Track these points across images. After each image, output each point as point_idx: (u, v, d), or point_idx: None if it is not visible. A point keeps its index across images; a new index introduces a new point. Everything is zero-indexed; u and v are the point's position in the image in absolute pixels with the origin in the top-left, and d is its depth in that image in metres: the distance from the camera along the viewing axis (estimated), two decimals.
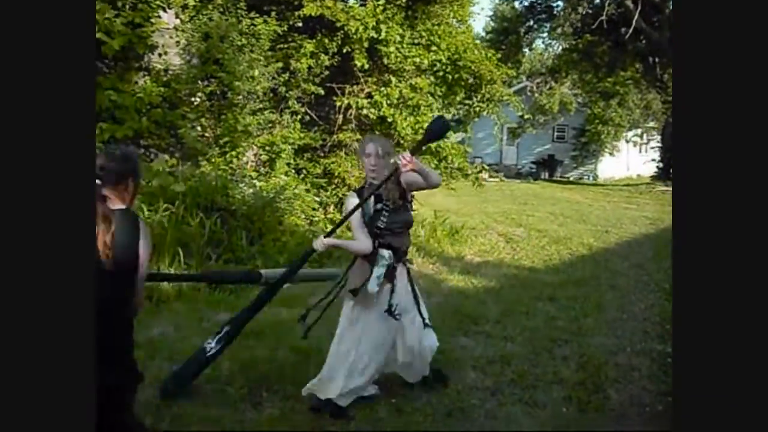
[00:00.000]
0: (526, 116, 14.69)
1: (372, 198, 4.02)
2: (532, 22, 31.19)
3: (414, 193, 4.31)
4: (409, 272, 4.33)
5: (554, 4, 29.64)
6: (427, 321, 4.44)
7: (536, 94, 27.93)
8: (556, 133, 33.89)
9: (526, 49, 35.05)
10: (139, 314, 2.99)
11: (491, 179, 29.35)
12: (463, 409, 4.30)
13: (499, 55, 11.60)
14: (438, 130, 4.05)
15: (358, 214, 4.05)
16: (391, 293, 4.10)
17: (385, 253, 4.06)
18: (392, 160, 3.96)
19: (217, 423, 3.99)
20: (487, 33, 36.50)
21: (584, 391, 4.65)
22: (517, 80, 33.99)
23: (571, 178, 32.36)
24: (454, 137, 14.51)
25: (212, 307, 6.41)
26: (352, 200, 4.13)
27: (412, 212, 4.36)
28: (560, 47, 31.17)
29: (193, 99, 9.69)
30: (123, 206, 2.78)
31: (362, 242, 4.05)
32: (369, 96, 10.14)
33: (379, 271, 4.03)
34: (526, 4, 31.07)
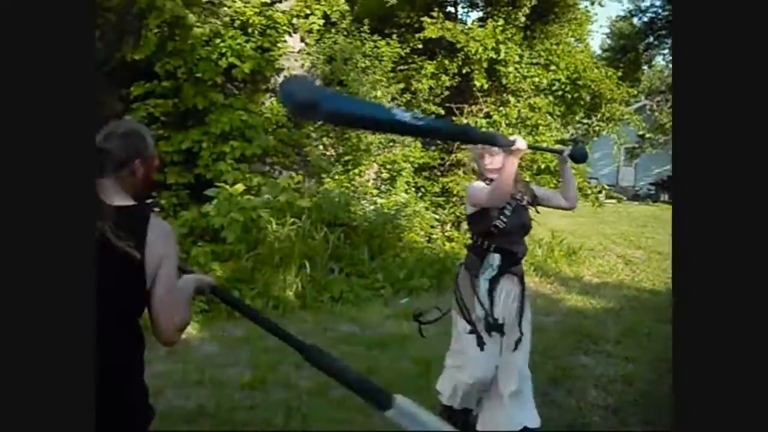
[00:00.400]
0: (646, 135, 14.28)
1: None
2: (651, 39, 30.37)
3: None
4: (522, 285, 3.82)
5: None
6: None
7: (656, 113, 27.11)
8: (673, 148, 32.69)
9: (645, 67, 34.10)
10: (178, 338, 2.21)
11: (608, 201, 28.71)
12: (587, 424, 4.33)
13: (619, 74, 11.44)
14: (580, 157, 3.88)
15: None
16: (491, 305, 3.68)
17: (495, 258, 3.69)
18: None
19: (347, 423, 4.20)
20: (604, 51, 35.76)
21: None
22: (636, 99, 33.16)
23: None
24: None
25: (336, 318, 6.68)
26: (477, 184, 3.75)
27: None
28: None
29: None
30: (127, 201, 2.16)
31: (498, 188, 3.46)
32: (487, 116, 10.24)
33: (484, 274, 3.69)
34: (646, 20, 30.31)
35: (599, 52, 35.98)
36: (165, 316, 2.09)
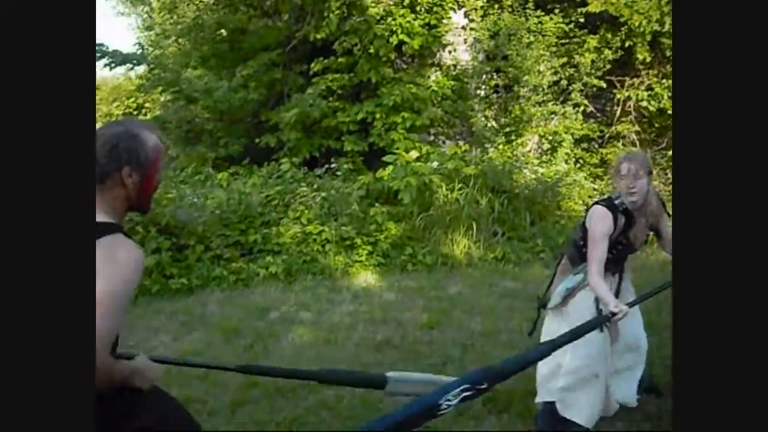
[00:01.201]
0: None
1: (625, 218, 3.56)
2: None
3: None
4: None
5: None
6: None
7: None
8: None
9: None
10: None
11: None
12: None
13: None
14: None
15: (606, 226, 3.53)
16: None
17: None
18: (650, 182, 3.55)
19: None
20: None
21: None
22: None
23: None
24: None
25: (500, 275, 7.27)
26: (605, 216, 3.55)
27: None
28: None
29: (479, 91, 10.63)
30: (105, 218, 1.96)
31: (594, 275, 3.47)
32: (649, 88, 10.36)
33: (569, 283, 3.72)
34: None
35: None
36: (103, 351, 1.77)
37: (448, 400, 2.79)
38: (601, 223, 3.53)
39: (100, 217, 1.94)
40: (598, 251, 3.48)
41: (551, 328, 3.78)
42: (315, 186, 8.32)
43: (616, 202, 3.57)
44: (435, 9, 10.20)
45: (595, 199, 4.31)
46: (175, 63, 12.11)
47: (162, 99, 12.58)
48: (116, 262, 1.83)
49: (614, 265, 3.67)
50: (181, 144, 10.92)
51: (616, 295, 3.61)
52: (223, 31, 11.41)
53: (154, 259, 6.53)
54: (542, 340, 3.73)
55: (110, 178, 1.99)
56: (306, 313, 5.93)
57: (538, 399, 3.81)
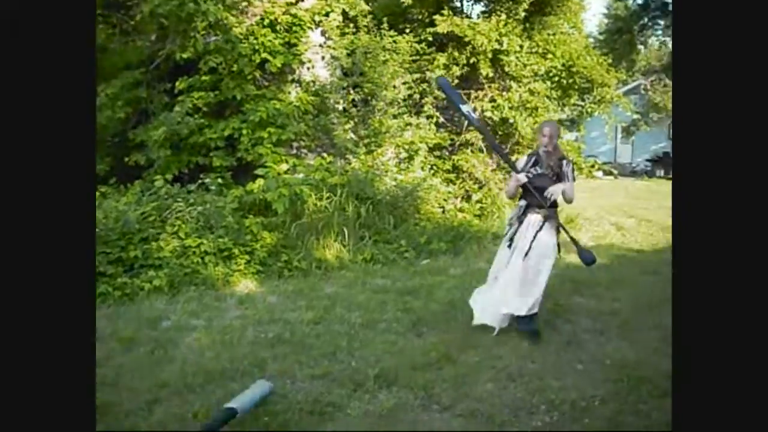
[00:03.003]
0: (634, 115, 15.32)
1: (534, 159, 5.71)
2: (646, 20, 31.45)
3: None
4: (544, 227, 5.61)
5: (668, 1, 29.84)
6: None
7: (650, 92, 28.25)
8: (672, 131, 33.76)
9: (641, 47, 35.16)
10: None
11: (606, 177, 29.89)
12: (578, 342, 5.59)
13: (609, 60, 12.67)
14: (587, 259, 5.82)
15: (521, 163, 5.78)
16: (514, 229, 5.72)
17: (522, 203, 5.73)
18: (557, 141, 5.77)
19: (394, 345, 5.45)
20: (601, 33, 36.87)
21: None
22: (633, 78, 34.28)
23: None
24: (568, 135, 15.68)
25: (371, 274, 7.96)
26: (523, 157, 6.07)
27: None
28: None
29: (339, 106, 11.32)
30: None
31: (511, 187, 5.81)
32: (492, 100, 11.48)
33: (510, 215, 5.96)
34: (640, 2, 31.39)
35: (596, 33, 37.06)
36: None
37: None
38: (518, 163, 5.87)
39: None
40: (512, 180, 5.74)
41: (500, 255, 5.81)
42: (190, 201, 8.63)
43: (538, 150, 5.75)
44: (294, 29, 10.78)
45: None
46: None
47: None
48: None
49: (538, 193, 5.52)
50: None
51: (540, 229, 5.57)
52: None
53: None
54: (492, 266, 5.84)
55: None
56: (197, 320, 6.30)
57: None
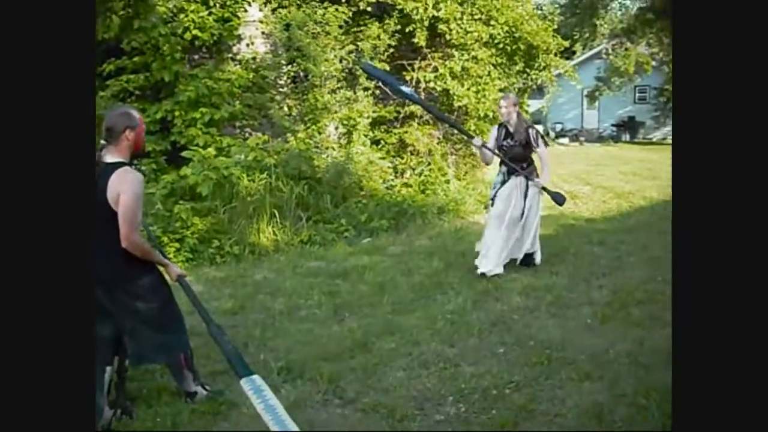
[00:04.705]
0: (578, 85, 14.86)
1: (504, 131, 6.64)
2: None
3: None
4: (528, 187, 6.63)
5: None
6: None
7: (611, 57, 28.00)
8: (637, 95, 33.38)
9: (603, 11, 34.82)
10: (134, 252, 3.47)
11: (571, 144, 29.78)
12: (505, 322, 5.32)
13: (554, 26, 12.32)
14: (558, 200, 6.93)
15: (492, 136, 6.73)
16: (496, 191, 6.69)
17: (504, 168, 6.68)
18: (517, 110, 6.66)
19: (309, 333, 5.17)
20: None
21: (610, 309, 5.52)
22: (596, 43, 34.00)
23: (655, 139, 32.11)
24: (530, 104, 15.43)
25: (305, 257, 7.65)
26: (493, 129, 6.89)
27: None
28: (636, 7, 30.95)
29: (278, 82, 10.93)
30: (118, 158, 3.43)
31: (485, 154, 6.79)
32: (435, 69, 11.13)
33: (496, 179, 6.83)
34: None
35: None
36: (122, 222, 3.39)
37: None
38: (489, 135, 6.86)
39: (115, 159, 3.44)
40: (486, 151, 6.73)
41: (495, 209, 6.67)
42: None
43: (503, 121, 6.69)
44: (228, 3, 10.35)
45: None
46: None
47: None
48: (128, 181, 3.39)
49: (514, 162, 6.54)
50: None
51: (525, 195, 6.66)
52: None
53: None
54: (490, 219, 6.78)
55: (121, 136, 3.48)
56: None
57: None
